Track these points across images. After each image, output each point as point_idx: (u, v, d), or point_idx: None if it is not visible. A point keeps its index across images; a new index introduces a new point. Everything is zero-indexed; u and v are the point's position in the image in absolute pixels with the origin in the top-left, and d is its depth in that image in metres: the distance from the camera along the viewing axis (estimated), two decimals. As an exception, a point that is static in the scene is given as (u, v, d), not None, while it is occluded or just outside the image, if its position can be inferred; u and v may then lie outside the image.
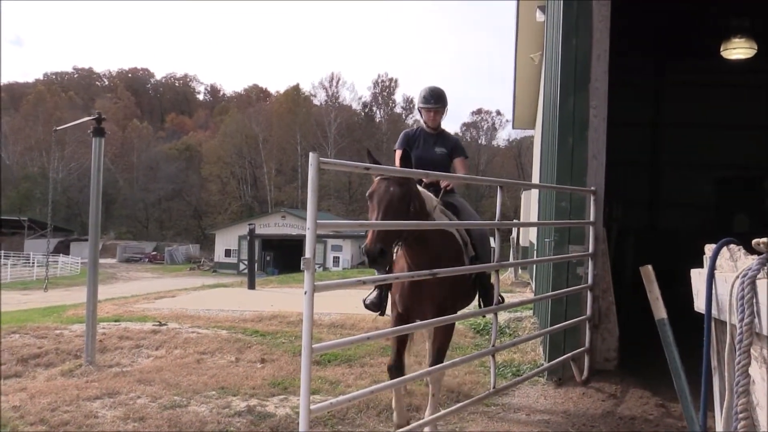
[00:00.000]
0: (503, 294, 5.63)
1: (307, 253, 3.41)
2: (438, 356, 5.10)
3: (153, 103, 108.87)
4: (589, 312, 6.55)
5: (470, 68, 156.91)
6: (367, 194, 4.51)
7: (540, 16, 11.02)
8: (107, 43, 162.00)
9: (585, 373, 6.50)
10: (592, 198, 6.69)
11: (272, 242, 54.83)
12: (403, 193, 4.42)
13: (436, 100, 5.78)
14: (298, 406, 5.72)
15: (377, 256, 4.18)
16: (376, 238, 4.22)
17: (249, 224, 23.04)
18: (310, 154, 3.53)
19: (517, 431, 5.28)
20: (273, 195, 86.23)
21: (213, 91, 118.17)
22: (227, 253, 60.18)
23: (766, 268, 2.24)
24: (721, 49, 12.79)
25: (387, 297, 5.43)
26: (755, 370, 2.30)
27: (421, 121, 5.96)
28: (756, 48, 12.55)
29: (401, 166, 5.06)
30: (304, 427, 3.45)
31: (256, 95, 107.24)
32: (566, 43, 6.95)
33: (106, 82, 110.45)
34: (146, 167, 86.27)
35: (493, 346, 5.40)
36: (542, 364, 6.86)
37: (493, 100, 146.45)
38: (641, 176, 15.54)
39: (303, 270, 3.38)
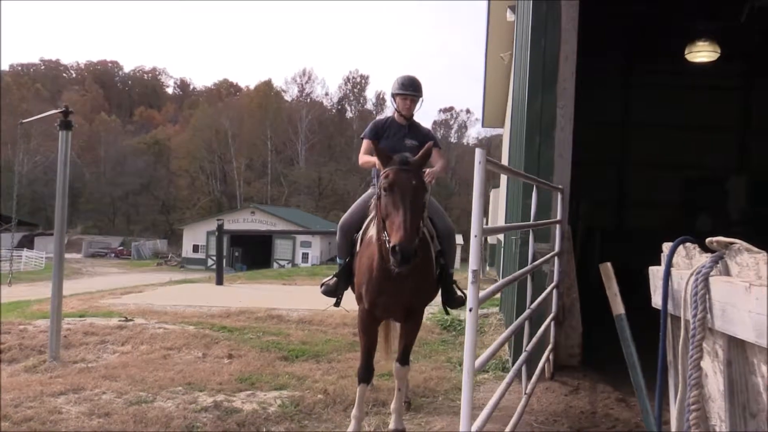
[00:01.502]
0: (466, 291, 5.63)
1: (474, 264, 3.02)
2: (405, 353, 5.12)
3: (121, 97, 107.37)
4: (553, 309, 6.65)
5: (441, 66, 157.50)
6: (384, 185, 4.21)
7: (510, 16, 11.14)
8: (75, 35, 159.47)
9: (549, 368, 6.60)
10: (559, 196, 6.79)
11: (241, 238, 54.49)
12: (424, 185, 4.31)
13: (414, 88, 5.58)
14: (265, 402, 5.76)
15: (412, 256, 3.99)
16: (412, 236, 4.00)
17: (218, 219, 22.90)
18: (477, 150, 3.13)
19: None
20: (242, 190, 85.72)
21: (183, 85, 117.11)
22: (195, 248, 59.69)
23: (719, 265, 2.31)
24: (686, 52, 13.05)
25: (344, 288, 5.35)
26: (707, 363, 2.38)
27: (393, 110, 5.73)
28: (719, 52, 12.83)
29: (373, 155, 5.18)
30: None
31: (227, 90, 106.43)
32: (535, 43, 7.04)
33: (74, 75, 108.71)
34: (114, 161, 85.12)
35: (526, 350, 5.39)
36: (507, 360, 6.96)
37: (463, 98, 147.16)
38: (609, 176, 15.79)
39: (471, 284, 3.00)
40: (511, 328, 4.60)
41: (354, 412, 5.00)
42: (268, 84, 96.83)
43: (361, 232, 5.10)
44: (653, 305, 2.80)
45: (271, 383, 6.33)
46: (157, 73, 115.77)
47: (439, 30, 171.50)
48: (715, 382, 2.37)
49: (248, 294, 13.52)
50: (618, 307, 2.82)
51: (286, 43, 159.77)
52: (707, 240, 2.34)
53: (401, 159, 4.35)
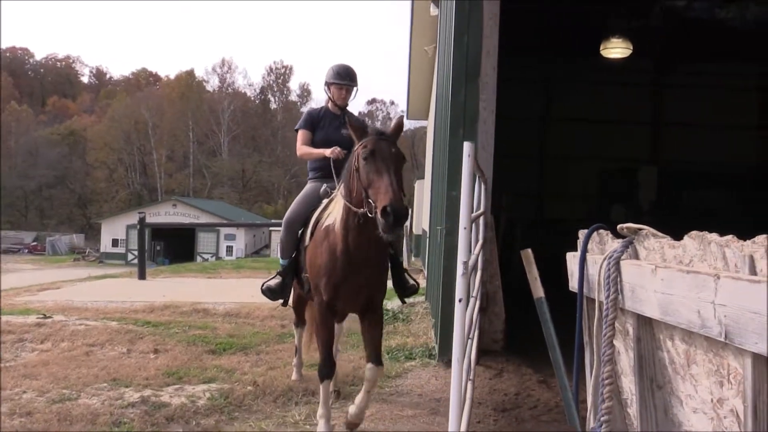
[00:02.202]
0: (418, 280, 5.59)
1: (463, 256, 2.87)
2: (377, 352, 4.79)
3: (33, 86, 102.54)
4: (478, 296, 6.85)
5: (365, 57, 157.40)
6: (365, 154, 4.07)
7: (434, 10, 11.29)
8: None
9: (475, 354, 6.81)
10: (482, 186, 6.97)
11: (162, 231, 53.06)
12: (402, 154, 4.20)
13: (349, 77, 5.54)
14: (194, 395, 5.73)
15: (404, 217, 3.81)
16: (401, 197, 3.86)
17: (139, 212, 22.33)
18: (465, 143, 3.03)
19: (411, 412, 5.47)
20: (163, 182, 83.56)
21: (98, 73, 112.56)
22: (114, 242, 57.89)
23: (629, 250, 2.49)
24: (601, 49, 13.59)
25: (291, 285, 5.29)
26: (619, 341, 2.56)
27: (327, 98, 5.67)
28: (632, 48, 13.42)
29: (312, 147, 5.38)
30: None
31: (146, 79, 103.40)
32: (458, 38, 7.20)
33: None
34: (25, 153, 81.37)
35: (470, 338, 5.41)
36: (434, 347, 7.13)
37: (387, 90, 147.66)
38: (531, 168, 16.30)
39: (461, 275, 2.86)
40: (470, 315, 4.62)
41: (320, 411, 4.81)
42: (190, 74, 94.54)
43: (311, 225, 4.97)
44: (570, 289, 2.98)
45: (200, 377, 6.29)
46: (71, 61, 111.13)
47: (363, 21, 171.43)
48: (626, 358, 2.55)
49: (172, 288, 13.30)
50: (538, 290, 2.98)
51: (204, 32, 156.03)
52: (618, 227, 2.51)
53: (377, 130, 4.27)
